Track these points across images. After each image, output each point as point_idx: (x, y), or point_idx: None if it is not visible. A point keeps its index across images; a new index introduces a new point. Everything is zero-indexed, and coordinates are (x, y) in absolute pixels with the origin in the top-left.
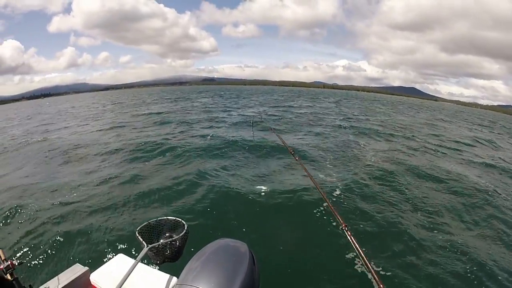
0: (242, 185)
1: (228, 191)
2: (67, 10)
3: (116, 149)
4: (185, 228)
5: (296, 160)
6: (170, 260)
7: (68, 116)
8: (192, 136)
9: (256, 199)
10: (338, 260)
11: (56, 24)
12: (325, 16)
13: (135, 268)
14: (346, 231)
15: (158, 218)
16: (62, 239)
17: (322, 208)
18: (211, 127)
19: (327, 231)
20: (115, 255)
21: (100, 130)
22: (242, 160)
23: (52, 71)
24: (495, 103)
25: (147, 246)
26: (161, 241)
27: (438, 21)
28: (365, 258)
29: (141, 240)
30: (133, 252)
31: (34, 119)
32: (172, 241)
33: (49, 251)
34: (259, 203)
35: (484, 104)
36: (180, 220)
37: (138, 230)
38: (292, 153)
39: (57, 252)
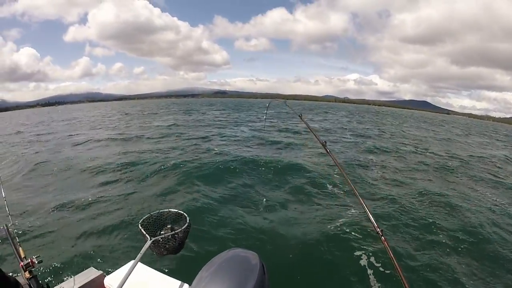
0: (255, 197)
1: (241, 200)
2: (83, 20)
3: (130, 162)
4: (187, 221)
5: (328, 153)
6: (172, 253)
7: (77, 126)
8: (203, 151)
9: (271, 210)
10: (359, 268)
11: (72, 34)
12: (336, 30)
13: (148, 275)
14: (381, 236)
15: (160, 210)
16: (78, 244)
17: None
18: (222, 140)
19: (348, 239)
20: (129, 261)
21: (111, 140)
22: (254, 174)
23: (66, 80)
24: (508, 116)
25: (150, 239)
26: (163, 233)
27: (449, 33)
28: (398, 268)
29: (144, 233)
30: (147, 258)
31: (47, 126)
32: (175, 233)
33: (64, 254)
34: (275, 214)
35: (496, 116)
36: (182, 212)
37: (140, 223)
38: (324, 144)
39: (73, 256)
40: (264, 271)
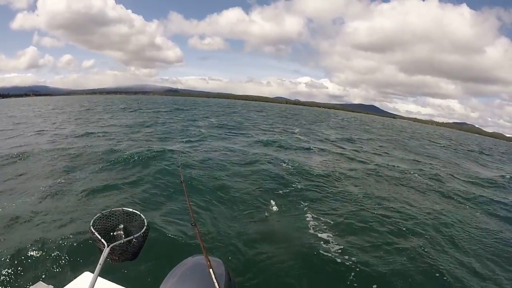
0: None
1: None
2: (32, 7)
3: (69, 158)
4: (145, 224)
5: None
6: (128, 259)
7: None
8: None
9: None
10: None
11: (20, 21)
12: (290, 34)
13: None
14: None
15: (112, 209)
16: (23, 257)
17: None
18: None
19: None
20: (81, 272)
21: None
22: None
23: (11, 71)
24: (451, 121)
25: (108, 245)
26: (123, 240)
27: (399, 43)
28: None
29: (99, 237)
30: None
31: None
32: (134, 238)
33: (9, 270)
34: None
35: (440, 121)
36: (138, 213)
37: (92, 224)
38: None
39: (19, 271)
40: (229, 277)
